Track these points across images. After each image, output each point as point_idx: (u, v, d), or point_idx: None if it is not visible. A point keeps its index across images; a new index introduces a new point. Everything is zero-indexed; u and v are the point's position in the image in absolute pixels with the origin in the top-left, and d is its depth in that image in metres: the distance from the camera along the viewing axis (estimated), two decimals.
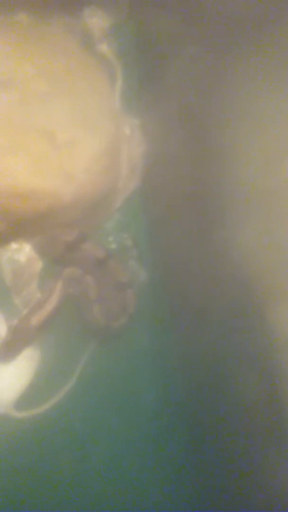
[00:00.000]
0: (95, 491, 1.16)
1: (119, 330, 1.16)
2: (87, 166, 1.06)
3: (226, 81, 1.05)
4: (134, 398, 1.20)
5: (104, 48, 1.22)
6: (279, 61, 0.94)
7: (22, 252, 1.15)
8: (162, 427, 1.20)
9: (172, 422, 1.20)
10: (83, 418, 1.17)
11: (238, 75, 1.03)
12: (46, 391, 1.15)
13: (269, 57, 0.97)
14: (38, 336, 1.09)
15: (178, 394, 1.21)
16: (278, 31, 0.94)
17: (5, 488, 1.10)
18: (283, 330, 0.91)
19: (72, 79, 1.11)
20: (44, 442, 1.14)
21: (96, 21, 1.23)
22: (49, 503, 1.12)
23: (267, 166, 0.96)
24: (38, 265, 1.16)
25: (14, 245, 1.13)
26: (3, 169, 1.00)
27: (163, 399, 1.21)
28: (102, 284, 1.16)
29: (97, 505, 1.15)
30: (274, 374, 0.92)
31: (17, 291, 1.13)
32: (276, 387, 0.92)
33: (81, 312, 1.16)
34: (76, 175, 1.04)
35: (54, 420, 1.14)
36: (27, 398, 1.13)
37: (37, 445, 1.14)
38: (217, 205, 1.08)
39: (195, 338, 1.17)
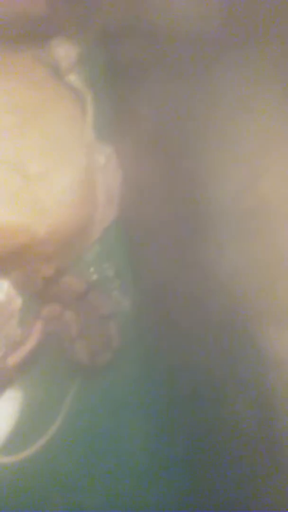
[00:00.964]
0: None
1: (104, 365, 1.13)
2: (62, 198, 1.04)
3: (199, 104, 1.06)
4: (125, 433, 1.16)
5: (73, 77, 1.21)
6: (249, 82, 0.94)
7: (0, 289, 1.13)
8: (157, 460, 1.15)
9: (167, 453, 1.16)
10: (73, 459, 1.12)
11: (210, 97, 1.04)
12: (32, 433, 1.11)
13: (240, 77, 0.97)
14: (17, 377, 1.06)
15: (170, 423, 1.17)
16: (246, 52, 0.94)
17: None
18: (272, 350, 0.90)
19: (42, 110, 1.09)
20: (34, 487, 1.09)
21: (64, 50, 1.22)
22: None
23: (244, 186, 0.96)
24: (18, 301, 1.14)
25: None
26: None
27: (155, 430, 1.16)
28: (84, 318, 1.13)
29: None
30: (266, 394, 0.91)
31: None
32: (268, 407, 0.91)
33: (64, 349, 1.12)
34: (51, 208, 1.02)
35: (43, 463, 1.10)
36: (13, 441, 1.09)
37: (26, 491, 1.09)
38: (197, 228, 1.08)
39: (184, 364, 1.14)
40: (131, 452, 1.15)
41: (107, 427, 1.15)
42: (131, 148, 1.23)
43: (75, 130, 1.12)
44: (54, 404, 1.13)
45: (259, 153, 0.94)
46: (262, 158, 0.94)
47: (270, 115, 0.94)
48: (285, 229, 0.91)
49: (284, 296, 0.90)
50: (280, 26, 0.92)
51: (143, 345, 1.20)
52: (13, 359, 1.04)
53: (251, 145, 0.95)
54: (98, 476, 1.13)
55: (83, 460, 1.13)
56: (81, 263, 1.22)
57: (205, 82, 1.02)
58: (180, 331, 1.16)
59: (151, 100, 1.17)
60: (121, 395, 1.17)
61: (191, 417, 1.15)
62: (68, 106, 1.14)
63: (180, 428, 1.17)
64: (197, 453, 1.15)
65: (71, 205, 1.06)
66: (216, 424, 1.06)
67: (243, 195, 0.96)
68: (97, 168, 1.15)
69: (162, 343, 1.21)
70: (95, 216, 1.16)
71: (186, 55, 1.06)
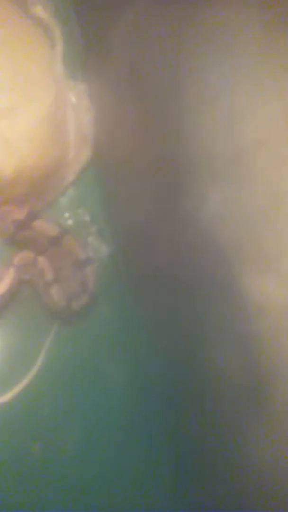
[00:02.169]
0: (69, 481, 1.11)
1: (80, 309, 1.12)
2: (29, 136, 1.00)
3: (178, 42, 0.99)
4: (103, 379, 1.15)
5: (39, 10, 1.14)
6: (231, 20, 0.88)
7: None
8: (135, 407, 1.15)
9: (145, 401, 1.16)
10: (51, 405, 1.12)
11: (190, 36, 0.97)
12: (9, 379, 1.10)
13: (222, 16, 0.91)
14: None
15: (148, 370, 1.16)
16: None
17: None
18: (254, 297, 0.88)
19: (7, 46, 1.04)
20: (12, 433, 1.09)
21: None
22: (19, 497, 1.08)
23: (224, 131, 0.92)
24: None
25: None
26: None
27: (133, 377, 1.16)
28: (59, 264, 1.11)
29: (72, 495, 1.11)
30: (248, 341, 0.89)
31: None
32: (250, 354, 0.89)
33: (39, 295, 1.11)
34: (18, 146, 0.98)
35: (20, 409, 1.09)
36: None
37: (4, 436, 1.09)
38: (177, 173, 1.04)
39: (163, 311, 1.13)
40: (109, 395, 1.14)
41: (85, 371, 1.14)
42: (104, 87, 1.18)
43: (42, 66, 1.07)
44: (32, 349, 1.12)
45: (239, 93, 0.88)
46: (243, 99, 0.89)
47: (250, 49, 0.89)
48: (267, 176, 0.87)
49: (266, 243, 0.86)
50: None
51: (120, 290, 1.19)
52: None
53: (231, 86, 0.89)
54: (76, 421, 1.13)
55: (62, 404, 1.12)
56: (56, 208, 1.18)
57: (184, 19, 0.95)
58: (160, 276, 1.13)
59: (127, 35, 1.11)
60: (98, 340, 1.16)
61: (171, 363, 1.14)
62: (35, 40, 1.09)
63: (158, 376, 1.16)
64: (176, 398, 1.14)
65: (39, 144, 1.01)
66: (197, 370, 1.05)
67: (223, 140, 0.91)
68: (67, 106, 1.11)
69: (140, 289, 1.20)
70: (67, 157, 1.12)
71: None
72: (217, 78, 0.92)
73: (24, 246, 1.11)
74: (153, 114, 1.08)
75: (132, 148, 1.16)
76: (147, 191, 1.13)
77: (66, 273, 1.12)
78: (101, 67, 1.17)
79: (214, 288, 0.97)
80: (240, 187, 0.91)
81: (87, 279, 1.12)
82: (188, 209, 1.00)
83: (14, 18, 1.11)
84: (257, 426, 0.91)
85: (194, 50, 0.96)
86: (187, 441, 1.12)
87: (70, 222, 1.19)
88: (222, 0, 0.90)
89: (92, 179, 1.21)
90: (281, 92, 0.84)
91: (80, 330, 1.15)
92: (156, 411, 1.15)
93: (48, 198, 1.14)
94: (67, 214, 1.19)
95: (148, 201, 1.14)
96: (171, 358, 1.14)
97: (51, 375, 1.12)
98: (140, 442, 1.15)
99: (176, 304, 1.08)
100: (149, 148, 1.11)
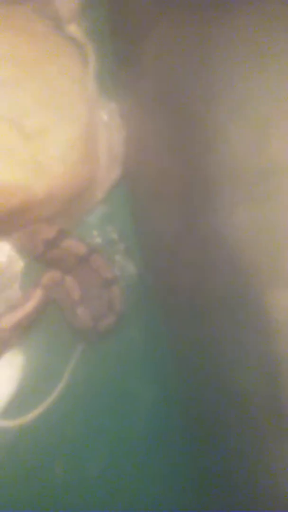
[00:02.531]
0: (92, 499, 1.11)
1: (106, 329, 1.11)
2: (61, 156, 0.99)
3: (207, 59, 1.00)
4: (127, 399, 1.15)
5: (74, 29, 1.15)
6: (262, 40, 0.88)
7: (2, 251, 1.10)
8: (159, 426, 1.15)
9: (169, 420, 1.15)
10: (75, 424, 1.12)
11: (220, 52, 0.97)
12: (34, 397, 1.10)
13: (252, 33, 0.91)
14: (13, 340, 1.05)
15: (173, 390, 1.16)
16: (255, 3, 0.88)
17: None
18: (280, 316, 0.87)
19: (41, 63, 1.04)
20: (35, 451, 1.09)
21: (65, 1, 1.15)
22: None
23: (254, 147, 0.91)
24: (19, 264, 1.12)
25: None
26: None
27: (157, 397, 1.16)
28: (86, 283, 1.10)
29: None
30: (272, 361, 0.88)
31: None
32: (274, 374, 0.88)
33: (66, 314, 1.10)
34: (50, 166, 0.98)
35: (44, 428, 1.09)
36: (15, 406, 1.09)
37: (28, 455, 1.09)
38: (205, 190, 1.03)
39: (189, 330, 1.13)
40: (133, 418, 1.14)
41: (109, 393, 1.13)
42: (135, 104, 1.18)
43: (76, 84, 1.07)
44: (57, 369, 1.12)
45: (269, 113, 0.88)
46: (273, 119, 0.88)
47: (282, 74, 0.89)
48: None
49: None
50: None
51: (147, 310, 1.19)
52: (7, 320, 1.02)
53: (262, 105, 0.89)
54: (99, 440, 1.12)
55: (86, 424, 1.12)
56: (84, 226, 1.18)
57: (214, 37, 0.95)
58: (184, 295, 1.13)
59: (156, 54, 1.12)
60: (124, 360, 1.15)
61: (195, 382, 1.13)
62: (69, 59, 1.09)
63: (183, 396, 1.16)
64: (199, 418, 1.13)
65: (71, 164, 1.01)
66: (220, 389, 1.04)
67: (253, 157, 0.91)
68: (99, 125, 1.10)
69: (166, 309, 1.19)
70: (97, 176, 1.12)
71: (193, 7, 0.99)
72: (248, 91, 0.92)
73: (52, 265, 1.11)
74: (182, 132, 1.08)
75: (161, 167, 1.16)
76: (175, 210, 1.13)
77: (93, 292, 1.11)
78: (132, 85, 1.18)
79: (238, 307, 0.96)
80: (267, 206, 0.90)
81: (114, 299, 1.12)
82: (214, 228, 1.00)
83: (48, 36, 1.11)
84: (280, 447, 0.90)
85: (224, 63, 0.96)
86: (210, 461, 1.11)
87: (98, 240, 1.19)
88: (251, 11, 0.90)
89: (121, 197, 1.21)
90: None
91: (105, 350, 1.15)
92: (179, 430, 1.14)
93: (77, 217, 1.14)
94: (95, 232, 1.19)
95: (175, 220, 1.13)
96: (195, 377, 1.14)
97: (76, 394, 1.11)
98: (162, 462, 1.14)
99: (200, 323, 1.08)
100: (178, 167, 1.11)
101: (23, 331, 1.04)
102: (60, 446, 1.11)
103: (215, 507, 1.08)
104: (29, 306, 1.04)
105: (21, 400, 1.09)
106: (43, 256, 1.09)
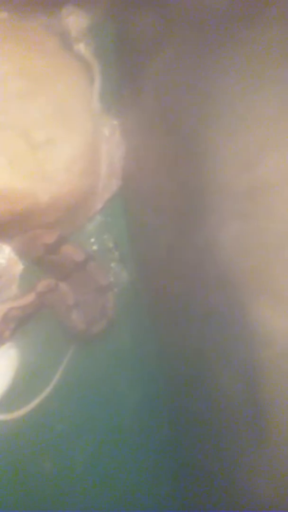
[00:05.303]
0: (79, 492, 1.15)
1: (99, 333, 1.15)
2: (66, 166, 1.05)
3: (205, 81, 1.04)
4: (115, 399, 1.19)
5: (82, 47, 1.21)
6: (255, 61, 0.93)
7: (2, 254, 1.14)
8: (144, 426, 1.20)
9: (154, 420, 1.20)
10: (64, 420, 1.16)
11: (219, 74, 1.02)
12: (26, 393, 1.14)
13: (246, 56, 0.96)
14: (7, 336, 1.08)
15: (159, 393, 1.21)
16: (254, 30, 0.93)
17: None
18: (260, 328, 0.91)
19: (50, 79, 1.10)
20: (25, 444, 1.13)
21: (74, 20, 1.21)
22: (31, 505, 1.11)
23: (246, 165, 0.96)
24: (18, 267, 1.15)
25: None
26: None
27: (144, 398, 1.20)
28: (81, 288, 1.14)
29: (81, 505, 1.15)
30: (253, 370, 0.92)
31: None
32: (254, 381, 0.92)
33: (60, 318, 1.14)
34: (55, 176, 1.03)
35: (35, 422, 1.13)
36: (7, 400, 1.12)
37: (18, 448, 1.13)
38: (198, 205, 1.07)
39: (176, 337, 1.17)
40: (119, 414, 1.18)
41: (99, 391, 1.18)
42: (135, 122, 1.23)
43: (81, 100, 1.12)
44: (50, 367, 1.16)
45: (262, 134, 0.93)
46: (265, 140, 0.93)
47: (274, 96, 0.93)
48: (284, 212, 0.91)
49: (279, 277, 0.90)
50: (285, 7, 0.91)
51: (137, 316, 1.23)
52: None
53: (256, 126, 0.94)
54: (87, 436, 1.17)
55: (74, 421, 1.16)
56: (83, 233, 1.23)
57: (214, 60, 1.00)
58: (175, 303, 1.17)
59: (159, 74, 1.16)
60: (114, 362, 1.20)
61: (179, 384, 1.18)
62: (76, 76, 1.15)
63: (168, 398, 1.20)
64: (183, 420, 1.18)
65: (75, 174, 1.06)
66: (202, 391, 1.09)
67: (245, 174, 0.95)
68: (101, 139, 1.16)
69: (155, 316, 1.24)
70: (97, 187, 1.17)
71: (195, 32, 1.04)
72: (244, 112, 0.96)
73: (50, 269, 1.15)
74: (179, 149, 1.12)
75: (157, 181, 1.20)
76: (169, 223, 1.17)
77: (87, 298, 1.15)
78: (133, 104, 1.22)
79: (224, 316, 1.00)
80: (255, 223, 0.94)
81: (107, 305, 1.16)
82: (205, 242, 1.04)
83: (57, 52, 1.17)
84: (254, 448, 0.94)
85: (222, 85, 1.00)
86: (189, 457, 1.16)
87: (95, 247, 1.24)
88: (251, 37, 0.95)
89: (118, 208, 1.26)
90: None
91: (96, 351, 1.19)
92: (165, 429, 1.20)
93: (77, 224, 1.19)
94: (92, 240, 1.24)
95: (169, 232, 1.18)
96: (180, 380, 1.18)
97: (66, 393, 1.15)
98: (145, 459, 1.19)
99: (188, 331, 1.12)
100: (173, 182, 1.14)
101: (15, 327, 1.07)
102: (49, 441, 1.15)
103: (195, 503, 1.13)
104: (18, 303, 1.07)
105: (16, 394, 1.12)
106: (43, 260, 1.13)
